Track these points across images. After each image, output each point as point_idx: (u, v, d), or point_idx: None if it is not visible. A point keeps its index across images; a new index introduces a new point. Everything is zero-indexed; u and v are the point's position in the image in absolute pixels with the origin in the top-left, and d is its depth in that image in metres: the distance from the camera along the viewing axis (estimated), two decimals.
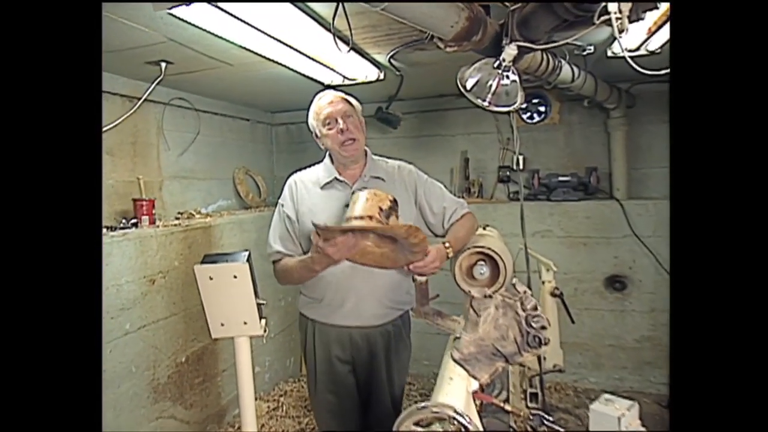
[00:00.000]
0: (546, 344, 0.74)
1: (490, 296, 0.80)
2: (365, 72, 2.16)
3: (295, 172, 1.58)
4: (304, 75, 2.11)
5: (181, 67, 2.00)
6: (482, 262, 1.48)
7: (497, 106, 1.37)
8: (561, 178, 2.87)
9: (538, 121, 2.98)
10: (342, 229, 1.17)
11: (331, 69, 2.04)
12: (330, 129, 1.42)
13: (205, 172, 2.79)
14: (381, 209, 1.19)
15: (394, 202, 1.23)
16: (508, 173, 3.00)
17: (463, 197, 3.06)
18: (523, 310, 0.76)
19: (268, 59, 1.85)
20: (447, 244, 1.35)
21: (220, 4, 1.29)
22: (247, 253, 1.24)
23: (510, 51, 1.23)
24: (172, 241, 2.13)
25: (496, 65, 1.30)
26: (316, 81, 2.22)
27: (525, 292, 0.82)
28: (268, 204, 3.19)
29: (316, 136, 1.49)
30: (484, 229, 1.89)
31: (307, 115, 1.49)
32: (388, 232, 1.18)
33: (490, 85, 1.34)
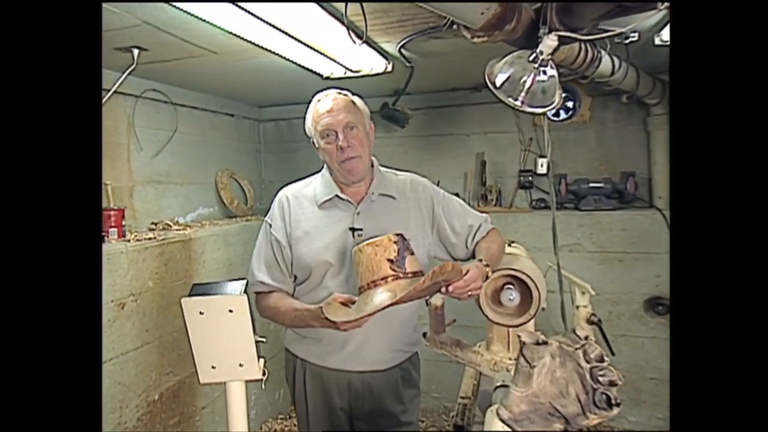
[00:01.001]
0: (618, 405, 0.69)
1: (545, 342, 0.75)
2: (371, 63, 2.13)
3: (287, 185, 1.53)
4: (299, 65, 2.09)
5: (156, 54, 1.97)
6: (510, 286, 1.47)
7: (531, 106, 1.35)
8: (592, 184, 2.84)
9: (566, 119, 2.95)
10: (363, 317, 1.14)
11: (331, 59, 2.01)
12: (328, 143, 1.37)
13: (183, 175, 2.76)
14: (392, 261, 1.15)
15: (401, 239, 1.19)
16: (530, 178, 2.98)
17: (478, 206, 3.11)
18: (587, 361, 0.72)
19: (260, 47, 1.82)
20: (485, 263, 1.30)
21: None
22: (243, 283, 1.20)
23: (549, 42, 1.20)
24: (145, 257, 2.08)
25: (531, 58, 1.28)
26: (312, 72, 2.20)
27: (587, 338, 0.78)
28: (255, 212, 3.16)
29: (314, 144, 1.44)
30: (509, 245, 1.87)
31: (305, 117, 1.44)
32: (414, 297, 1.15)
33: (524, 82, 1.32)
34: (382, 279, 1.15)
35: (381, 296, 1.12)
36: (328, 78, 2.25)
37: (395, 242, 1.18)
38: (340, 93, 1.42)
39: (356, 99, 1.43)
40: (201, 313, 1.14)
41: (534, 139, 3.01)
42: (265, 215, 1.51)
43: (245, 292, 1.17)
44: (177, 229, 2.44)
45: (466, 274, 1.19)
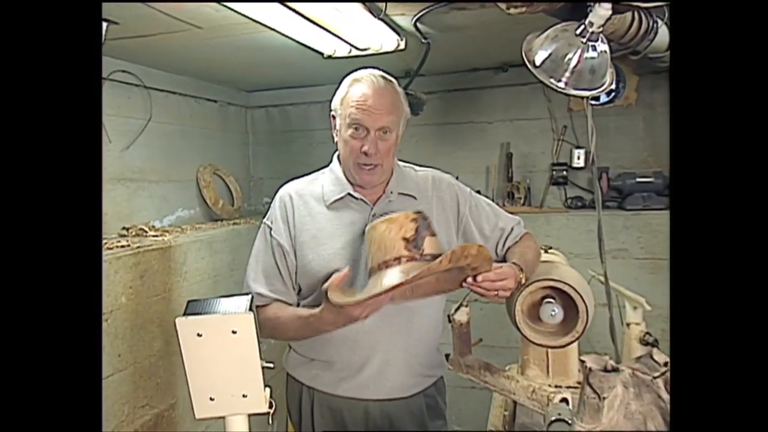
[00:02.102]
0: None
1: (615, 369, 0.73)
2: (380, 39, 2.12)
3: (287, 182, 1.52)
4: (296, 41, 2.08)
5: (128, 29, 1.96)
6: (551, 300, 1.46)
7: (577, 88, 1.33)
8: (639, 180, 2.82)
9: (607, 102, 2.94)
10: (369, 298, 1.14)
11: (333, 34, 2.00)
12: (354, 137, 1.36)
13: (158, 172, 2.75)
14: (407, 240, 1.16)
15: (420, 218, 1.20)
16: (564, 173, 2.97)
17: (503, 205, 3.08)
18: (668, 392, 0.70)
19: (252, 20, 1.81)
20: (520, 267, 1.31)
21: None
22: (248, 299, 1.18)
23: (601, 12, 1.19)
24: (117, 268, 2.07)
25: (578, 32, 1.26)
26: (311, 49, 2.19)
27: (666, 364, 0.76)
28: (243, 214, 3.17)
29: (332, 123, 1.44)
30: (546, 251, 1.86)
31: (333, 96, 1.43)
32: (432, 272, 1.14)
33: (569, 60, 1.30)
34: (394, 259, 1.15)
35: (391, 276, 1.13)
36: (329, 57, 2.25)
37: (413, 220, 1.18)
38: (385, 79, 1.38)
39: (401, 90, 1.41)
40: (199, 335, 1.13)
41: (569, 127, 3.00)
42: (264, 217, 1.50)
43: (251, 309, 1.15)
44: (153, 235, 2.43)
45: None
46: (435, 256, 1.16)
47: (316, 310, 1.28)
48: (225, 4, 1.64)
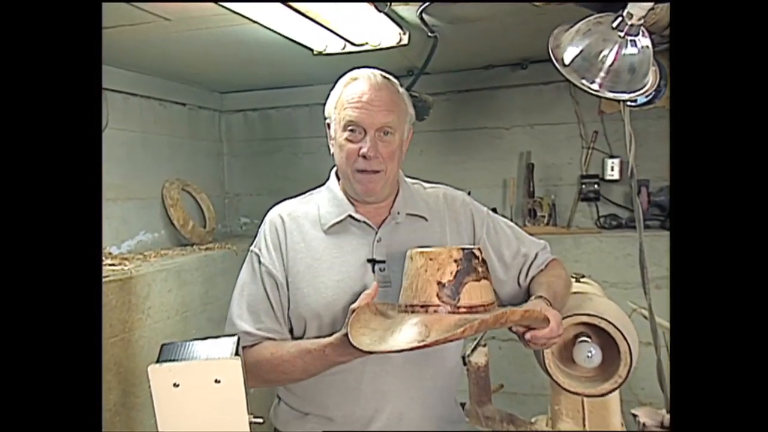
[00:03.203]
0: None
1: None
2: (380, 33, 2.14)
3: (279, 203, 1.52)
4: (280, 35, 2.10)
5: None
6: (586, 338, 1.46)
7: (614, 90, 1.34)
8: None
9: (646, 103, 2.93)
10: (383, 352, 1.15)
11: (326, 28, 2.02)
12: (349, 140, 1.37)
13: (116, 188, 2.75)
14: (442, 286, 1.16)
15: (466, 258, 1.20)
16: (596, 186, 2.98)
17: (524, 225, 3.10)
18: None
19: (231, 11, 1.82)
20: (548, 301, 1.32)
21: None
22: (234, 340, 1.17)
23: (643, 2, 1.18)
24: None
25: (615, 24, 1.26)
26: (298, 44, 2.21)
27: None
28: (217, 238, 3.16)
29: (327, 130, 1.45)
30: (577, 281, 1.85)
31: (326, 101, 1.44)
32: (455, 339, 1.14)
33: (604, 58, 1.30)
34: (421, 307, 1.17)
35: (407, 333, 1.13)
36: (320, 54, 2.26)
37: (457, 260, 1.18)
38: (384, 77, 1.41)
39: (403, 91, 1.43)
40: (175, 385, 1.11)
41: (601, 132, 3.02)
42: (252, 243, 1.50)
43: (237, 353, 1.14)
44: (110, 264, 2.43)
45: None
46: (473, 308, 1.16)
47: (332, 338, 1.27)
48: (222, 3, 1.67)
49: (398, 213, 1.43)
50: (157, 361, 1.14)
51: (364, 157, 1.35)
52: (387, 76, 1.42)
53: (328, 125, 1.43)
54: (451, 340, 1.11)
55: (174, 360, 1.14)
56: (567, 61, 1.33)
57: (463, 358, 1.74)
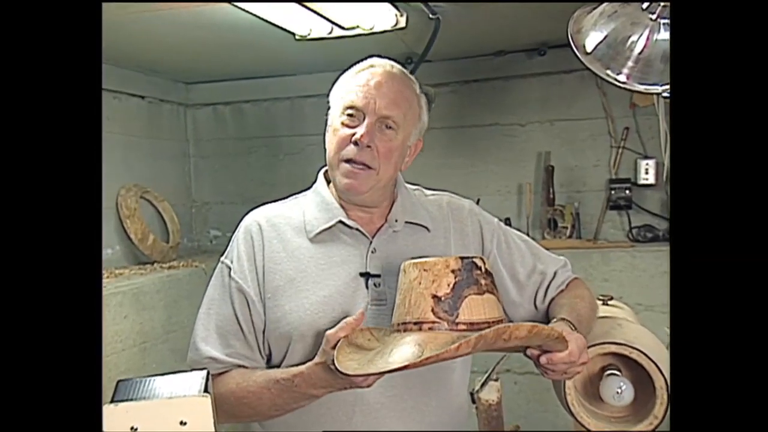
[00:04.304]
0: None
1: None
2: (373, 15, 2.16)
3: (256, 207, 1.53)
4: (259, 18, 2.11)
5: None
6: (615, 372, 1.47)
7: (644, 82, 1.37)
8: None
9: None
10: (374, 374, 1.16)
11: (310, 9, 2.04)
12: (345, 124, 1.39)
13: None
14: (438, 300, 1.17)
15: (465, 269, 1.21)
16: (627, 192, 2.98)
17: (542, 238, 3.08)
18: None
19: None
20: (572, 325, 1.33)
21: None
22: (203, 375, 1.18)
23: None
24: None
25: (645, 6, 1.28)
26: (278, 28, 2.23)
27: None
28: (182, 254, 3.16)
29: (326, 122, 1.48)
30: (605, 303, 1.86)
31: (332, 86, 1.47)
32: (451, 357, 1.15)
33: (633, 44, 1.32)
34: (415, 324, 1.18)
35: (397, 354, 1.14)
36: (303, 39, 2.27)
37: (455, 270, 1.19)
38: (402, 71, 1.45)
39: (421, 94, 1.47)
40: (133, 429, 1.12)
41: (632, 129, 3.02)
42: (222, 255, 1.51)
43: (206, 390, 1.14)
44: None
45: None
46: (474, 325, 1.16)
47: (303, 366, 1.28)
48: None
49: (396, 221, 1.45)
50: (112, 401, 1.14)
51: (355, 143, 1.36)
52: (408, 74, 1.46)
53: (326, 115, 1.46)
54: (445, 358, 1.11)
55: (132, 399, 1.15)
56: (589, 49, 1.36)
57: (472, 394, 1.74)
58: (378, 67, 1.42)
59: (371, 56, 1.47)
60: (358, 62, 1.46)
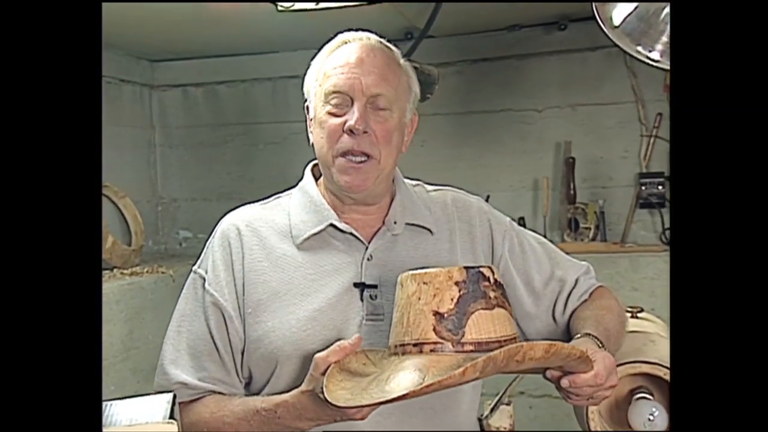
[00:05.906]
0: None
1: None
2: None
3: (233, 206, 1.54)
4: None
5: None
6: (647, 395, 1.48)
7: None
8: None
9: None
10: (370, 405, 1.16)
11: None
12: (332, 114, 1.40)
13: None
14: (440, 317, 1.18)
15: (471, 280, 1.21)
16: (660, 188, 3.00)
17: (562, 241, 3.11)
18: None
19: None
20: (599, 341, 1.34)
21: None
22: (169, 398, 1.20)
23: None
24: None
25: None
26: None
27: None
28: (146, 259, 3.17)
29: (306, 115, 1.49)
30: (635, 316, 1.86)
31: (305, 75, 1.48)
32: (458, 383, 1.15)
33: (667, 16, 1.32)
34: (414, 345, 1.19)
35: (395, 382, 1.14)
36: (286, 10, 2.28)
37: (459, 282, 1.19)
38: (381, 42, 1.46)
39: (405, 63, 1.48)
40: None
41: (667, 115, 3.02)
42: (195, 264, 1.51)
43: (172, 416, 1.15)
44: None
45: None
46: (483, 344, 1.17)
47: (288, 395, 1.29)
48: None
49: (394, 223, 1.46)
50: None
51: (350, 132, 1.36)
52: (386, 43, 1.46)
53: (307, 108, 1.46)
54: (449, 385, 1.11)
55: None
56: (617, 22, 1.36)
57: (480, 420, 1.75)
58: (353, 42, 1.43)
59: (343, 31, 1.47)
60: (326, 43, 1.46)
